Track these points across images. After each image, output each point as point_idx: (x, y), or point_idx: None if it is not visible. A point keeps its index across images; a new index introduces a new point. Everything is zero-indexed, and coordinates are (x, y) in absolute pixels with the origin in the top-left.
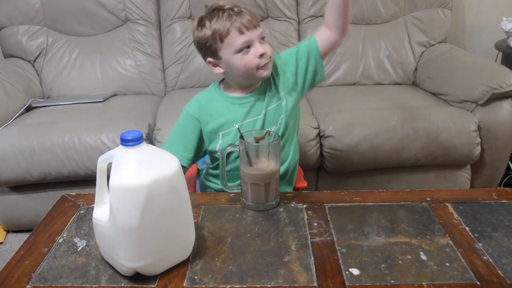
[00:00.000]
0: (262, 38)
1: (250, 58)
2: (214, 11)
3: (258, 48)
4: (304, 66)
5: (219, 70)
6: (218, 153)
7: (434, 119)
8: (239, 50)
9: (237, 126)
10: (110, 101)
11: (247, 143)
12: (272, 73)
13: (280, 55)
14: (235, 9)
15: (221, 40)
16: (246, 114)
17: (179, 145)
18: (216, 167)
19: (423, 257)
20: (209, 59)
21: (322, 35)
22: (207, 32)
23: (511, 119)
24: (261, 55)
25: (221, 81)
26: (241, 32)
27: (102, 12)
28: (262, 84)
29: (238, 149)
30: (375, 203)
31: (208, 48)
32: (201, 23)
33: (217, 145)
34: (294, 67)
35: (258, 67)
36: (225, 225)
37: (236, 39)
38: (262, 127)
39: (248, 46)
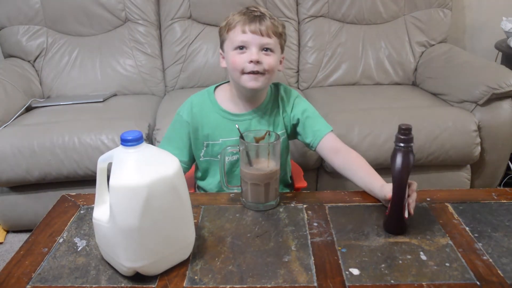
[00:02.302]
0: (265, 49)
1: (240, 59)
2: (246, 8)
3: (252, 53)
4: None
5: (223, 63)
6: (202, 159)
7: (434, 119)
8: (236, 48)
9: (237, 126)
10: (110, 101)
11: (247, 143)
12: (279, 106)
13: (296, 108)
14: (257, 12)
15: (227, 32)
16: (232, 131)
17: (175, 150)
18: (203, 177)
19: (423, 257)
20: (220, 50)
21: (326, 151)
22: (225, 22)
23: (511, 119)
24: (251, 61)
25: (217, 86)
26: (243, 31)
27: (102, 12)
28: (259, 107)
29: (238, 149)
30: (375, 203)
31: (220, 37)
32: (229, 15)
33: (201, 152)
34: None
35: (244, 72)
36: (225, 225)
37: (236, 36)
38: None
39: (245, 48)
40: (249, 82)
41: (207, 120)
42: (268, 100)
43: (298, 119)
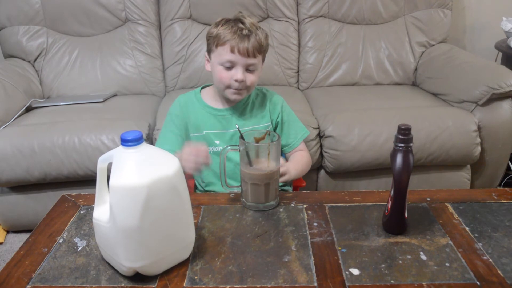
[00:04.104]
0: (249, 69)
1: (226, 76)
2: (234, 20)
3: (237, 73)
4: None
5: (208, 67)
6: None
7: (434, 119)
8: (223, 64)
9: (237, 126)
10: (110, 101)
11: (247, 143)
12: (265, 98)
13: (284, 108)
14: (245, 31)
15: (216, 46)
16: (214, 124)
17: (174, 141)
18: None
19: (423, 257)
20: (206, 54)
21: (291, 155)
22: (214, 31)
23: (511, 119)
24: (236, 80)
25: (203, 87)
26: (232, 51)
27: (102, 12)
28: (241, 105)
29: (238, 149)
30: (375, 203)
31: (208, 45)
32: (219, 22)
33: None
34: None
35: (229, 87)
36: (225, 225)
37: (225, 54)
38: (229, 141)
39: (231, 66)
40: (232, 95)
41: (193, 113)
42: (248, 96)
43: (282, 118)
